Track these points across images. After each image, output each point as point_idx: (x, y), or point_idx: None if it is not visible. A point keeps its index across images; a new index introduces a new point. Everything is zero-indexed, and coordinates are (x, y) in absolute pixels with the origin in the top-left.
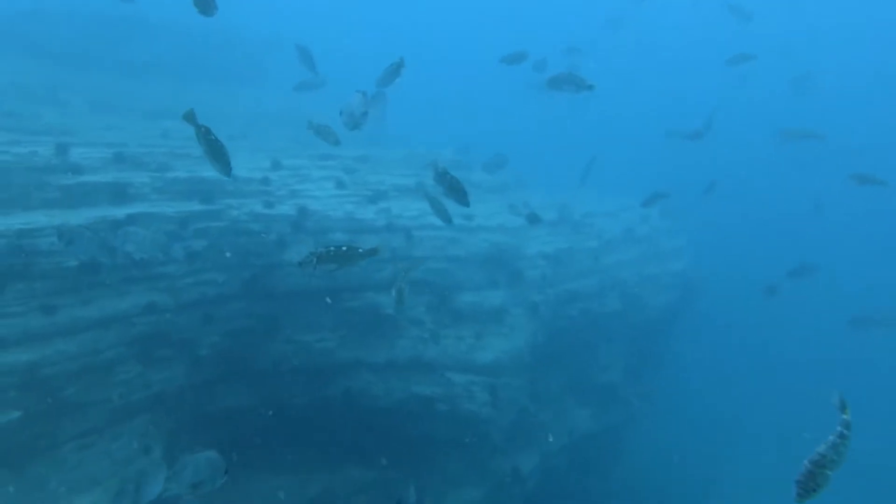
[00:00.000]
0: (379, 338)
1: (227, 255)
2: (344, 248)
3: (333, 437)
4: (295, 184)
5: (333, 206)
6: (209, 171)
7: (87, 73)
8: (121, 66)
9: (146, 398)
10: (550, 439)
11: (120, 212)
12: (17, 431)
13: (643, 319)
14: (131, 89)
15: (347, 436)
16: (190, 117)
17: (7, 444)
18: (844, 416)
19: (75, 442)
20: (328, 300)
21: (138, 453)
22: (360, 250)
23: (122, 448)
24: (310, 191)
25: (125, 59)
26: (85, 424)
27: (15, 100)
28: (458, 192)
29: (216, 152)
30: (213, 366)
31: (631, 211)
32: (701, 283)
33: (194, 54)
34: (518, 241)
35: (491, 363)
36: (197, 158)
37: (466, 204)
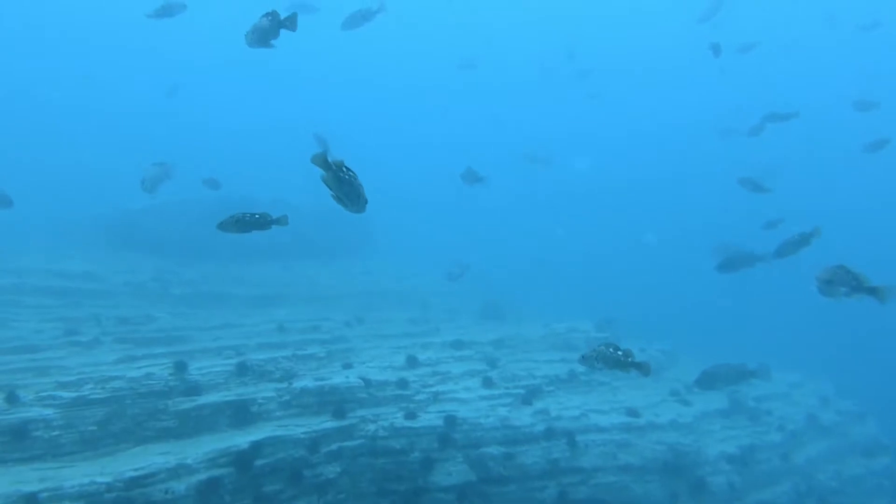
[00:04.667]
0: None
1: (364, 481)
2: None
3: None
4: (436, 384)
5: (484, 412)
6: (338, 378)
7: (198, 261)
8: (229, 250)
9: None
10: None
11: (243, 439)
12: None
13: None
14: (241, 274)
15: None
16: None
17: None
18: None
19: None
20: None
21: None
22: None
23: None
24: (454, 392)
25: (233, 244)
26: None
27: (129, 301)
28: None
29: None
30: None
31: (803, 388)
32: None
33: (300, 233)
34: (694, 439)
35: None
36: (322, 360)
37: None
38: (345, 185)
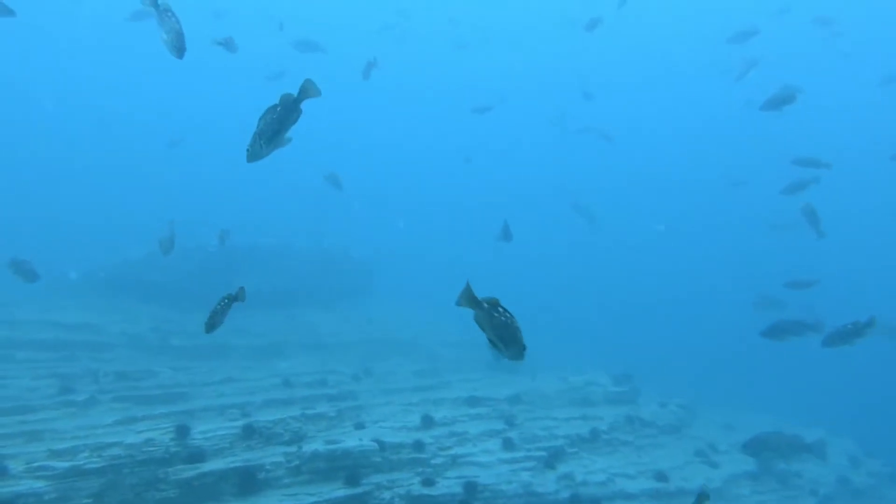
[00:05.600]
0: None
1: None
2: None
3: None
4: (454, 446)
5: (506, 477)
6: (351, 441)
7: (198, 310)
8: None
9: None
10: None
11: None
12: None
13: None
14: (242, 324)
15: None
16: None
17: None
18: None
19: None
20: None
21: None
22: None
23: None
24: (473, 455)
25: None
26: None
27: (127, 354)
28: None
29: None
30: None
31: (829, 446)
32: None
33: (302, 279)
34: None
35: None
36: (332, 420)
37: None
38: (499, 328)
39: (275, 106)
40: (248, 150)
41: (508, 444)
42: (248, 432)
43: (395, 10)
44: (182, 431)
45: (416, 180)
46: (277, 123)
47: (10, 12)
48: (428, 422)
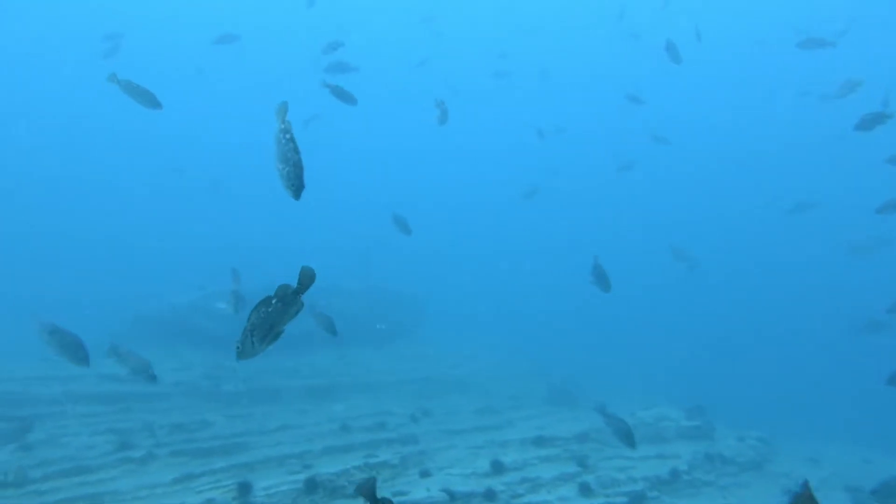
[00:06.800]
0: None
1: None
2: None
3: None
4: (527, 493)
5: None
6: (419, 492)
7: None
8: (280, 341)
9: None
10: None
11: None
12: None
13: None
14: (294, 365)
15: None
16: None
17: None
18: None
19: None
20: None
21: None
22: None
23: None
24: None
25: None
26: None
27: (181, 403)
28: None
29: None
30: None
31: None
32: None
33: (352, 318)
34: None
35: None
36: (396, 468)
37: None
38: None
39: (269, 298)
40: (237, 348)
41: (585, 490)
42: (311, 486)
43: (430, 37)
44: (244, 489)
45: (461, 210)
46: (273, 319)
47: (157, 104)
48: (498, 467)
